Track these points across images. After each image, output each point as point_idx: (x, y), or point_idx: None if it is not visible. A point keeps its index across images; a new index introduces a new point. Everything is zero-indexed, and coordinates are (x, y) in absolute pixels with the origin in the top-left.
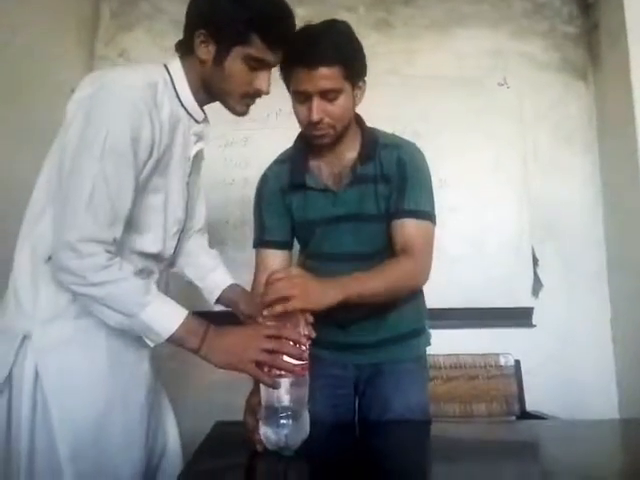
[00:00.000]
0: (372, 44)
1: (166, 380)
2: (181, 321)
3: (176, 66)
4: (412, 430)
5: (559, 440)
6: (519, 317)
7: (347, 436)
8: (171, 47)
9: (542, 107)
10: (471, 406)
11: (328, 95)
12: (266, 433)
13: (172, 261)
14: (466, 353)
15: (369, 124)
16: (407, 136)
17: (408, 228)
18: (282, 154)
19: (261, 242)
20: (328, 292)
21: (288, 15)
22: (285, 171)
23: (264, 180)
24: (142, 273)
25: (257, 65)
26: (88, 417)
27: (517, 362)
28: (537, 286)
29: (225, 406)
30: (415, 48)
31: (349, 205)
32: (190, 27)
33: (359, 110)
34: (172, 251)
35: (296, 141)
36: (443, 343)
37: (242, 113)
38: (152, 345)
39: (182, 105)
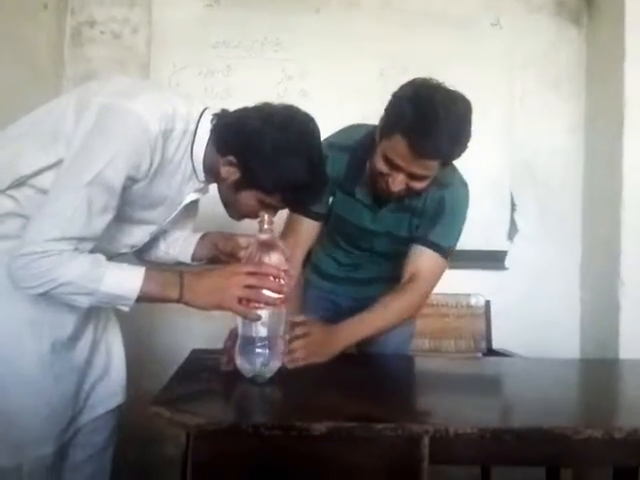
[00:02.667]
0: None
1: (143, 309)
2: (141, 278)
3: (205, 130)
4: (384, 361)
5: (521, 376)
6: (493, 260)
7: (321, 364)
8: None
9: (533, 50)
10: (440, 342)
11: (417, 177)
12: (242, 362)
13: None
14: (438, 292)
15: (358, 60)
16: (395, 72)
17: (425, 259)
18: (343, 139)
19: (307, 212)
20: (340, 345)
21: (317, 186)
22: (343, 163)
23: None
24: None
25: (269, 207)
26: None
27: (487, 302)
28: (512, 230)
29: (202, 335)
30: None
31: (385, 225)
32: (226, 140)
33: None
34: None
35: (363, 139)
36: None
37: (235, 220)
38: (128, 310)
39: (192, 159)
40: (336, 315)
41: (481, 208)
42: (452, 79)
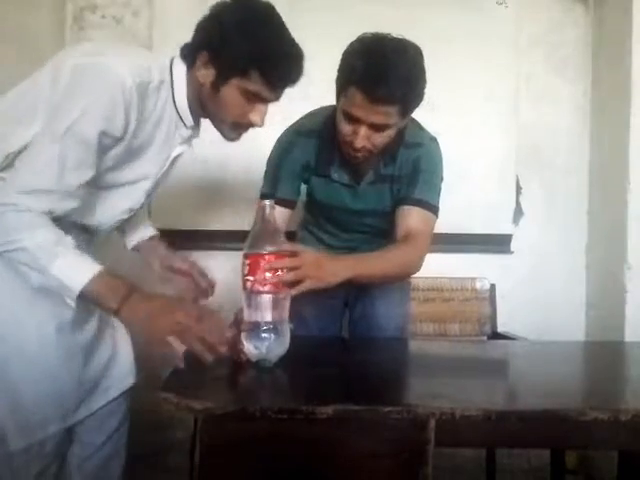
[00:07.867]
0: None
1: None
2: (92, 274)
3: (180, 70)
4: (389, 345)
5: (526, 359)
6: (498, 243)
7: (328, 349)
8: None
9: (538, 30)
10: (445, 326)
11: (378, 126)
12: (247, 346)
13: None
14: (444, 276)
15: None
16: None
17: (414, 216)
18: (309, 123)
19: (271, 197)
20: (339, 272)
21: (294, 55)
22: (312, 147)
23: (288, 148)
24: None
25: (254, 99)
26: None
27: (492, 286)
28: (518, 214)
29: None
30: None
31: (368, 201)
32: (195, 44)
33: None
34: (109, 229)
35: (328, 120)
36: (422, 266)
37: (233, 140)
38: (72, 304)
39: (175, 107)
40: (335, 314)
41: (486, 191)
42: (456, 59)
